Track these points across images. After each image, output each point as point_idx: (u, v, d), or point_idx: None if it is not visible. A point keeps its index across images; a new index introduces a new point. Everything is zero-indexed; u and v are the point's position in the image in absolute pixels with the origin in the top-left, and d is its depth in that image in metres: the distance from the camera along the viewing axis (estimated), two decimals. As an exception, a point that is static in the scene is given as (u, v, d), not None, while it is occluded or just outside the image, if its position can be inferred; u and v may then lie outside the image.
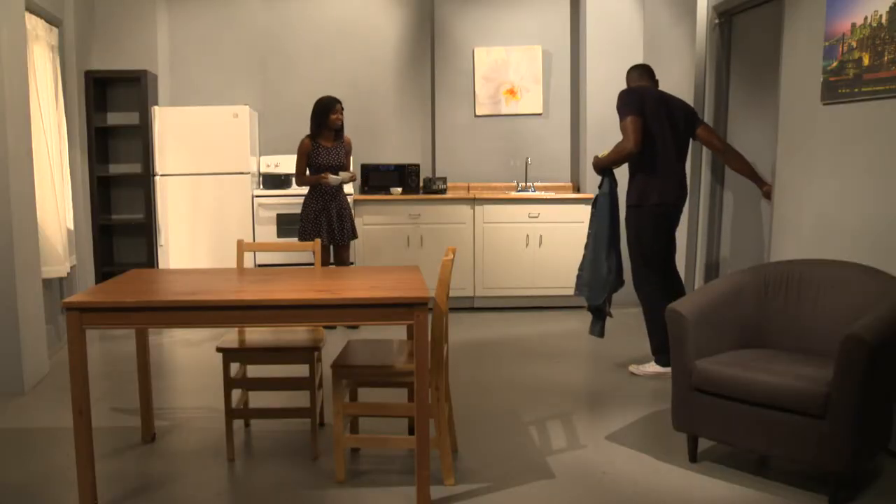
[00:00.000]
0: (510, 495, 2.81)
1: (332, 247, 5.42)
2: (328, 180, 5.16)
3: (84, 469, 2.64)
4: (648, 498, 2.78)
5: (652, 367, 4.25)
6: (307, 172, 5.34)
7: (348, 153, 5.43)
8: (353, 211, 5.54)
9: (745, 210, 4.59)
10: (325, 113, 5.26)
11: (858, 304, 2.94)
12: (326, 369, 4.16)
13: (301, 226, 5.32)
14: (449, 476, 2.88)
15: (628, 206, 4.24)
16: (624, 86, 4.48)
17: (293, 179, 6.25)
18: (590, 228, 4.35)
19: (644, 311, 4.25)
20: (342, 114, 5.33)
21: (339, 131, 5.37)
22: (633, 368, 4.32)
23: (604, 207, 4.28)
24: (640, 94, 4.17)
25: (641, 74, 4.39)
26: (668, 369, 4.08)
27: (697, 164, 4.91)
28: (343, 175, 5.25)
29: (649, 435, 3.38)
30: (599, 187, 4.32)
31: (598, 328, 4.37)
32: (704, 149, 4.83)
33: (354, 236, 5.47)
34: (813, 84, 3.62)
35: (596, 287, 4.28)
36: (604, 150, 4.44)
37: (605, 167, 4.29)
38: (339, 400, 2.89)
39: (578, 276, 4.38)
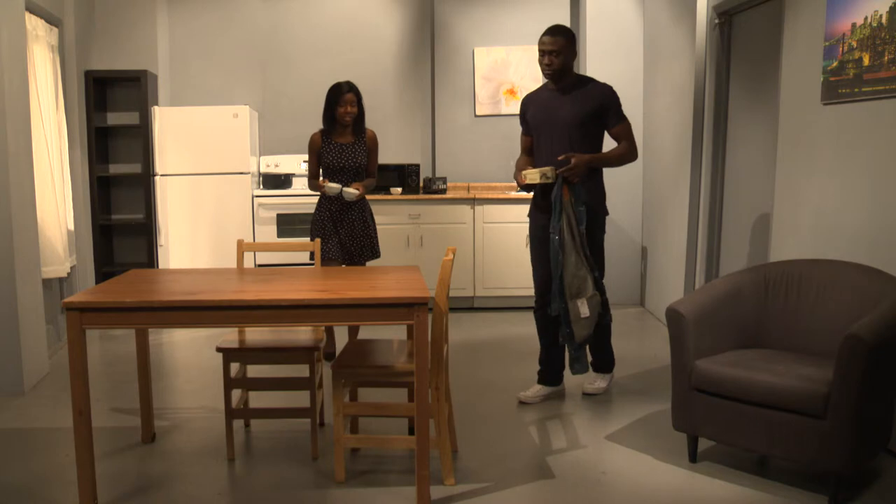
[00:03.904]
0: (510, 495, 2.81)
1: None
2: (324, 189, 4.24)
3: (84, 469, 2.64)
4: (648, 498, 2.78)
5: (605, 381, 3.98)
6: (321, 174, 4.40)
7: (371, 151, 4.38)
8: (373, 224, 4.53)
9: (746, 210, 4.59)
10: (331, 105, 4.27)
11: (858, 304, 2.94)
12: (326, 369, 4.16)
13: (311, 237, 4.43)
14: (449, 476, 2.88)
15: (599, 215, 3.77)
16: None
17: (294, 179, 6.25)
18: (571, 240, 3.60)
19: (604, 325, 3.81)
20: (355, 105, 4.25)
21: (357, 125, 4.33)
22: (521, 396, 3.86)
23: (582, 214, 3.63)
24: None
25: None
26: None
27: (698, 163, 4.91)
28: (347, 190, 4.21)
29: (649, 435, 3.38)
30: (576, 196, 3.58)
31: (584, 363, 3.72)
32: (705, 148, 4.83)
33: (374, 255, 4.50)
34: (813, 84, 3.62)
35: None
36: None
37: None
38: (339, 400, 2.89)
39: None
